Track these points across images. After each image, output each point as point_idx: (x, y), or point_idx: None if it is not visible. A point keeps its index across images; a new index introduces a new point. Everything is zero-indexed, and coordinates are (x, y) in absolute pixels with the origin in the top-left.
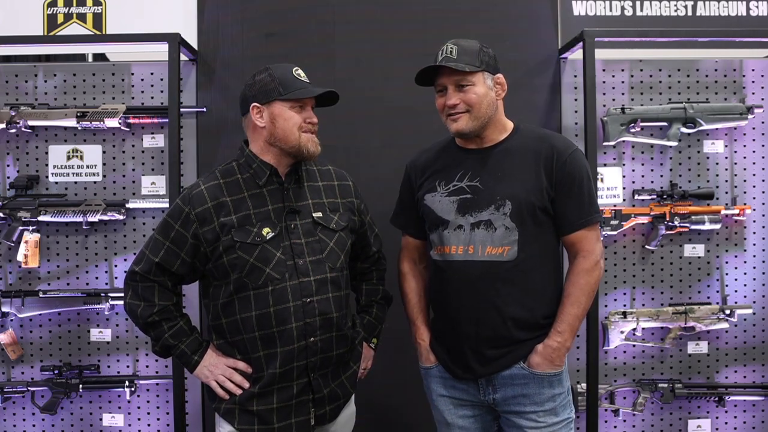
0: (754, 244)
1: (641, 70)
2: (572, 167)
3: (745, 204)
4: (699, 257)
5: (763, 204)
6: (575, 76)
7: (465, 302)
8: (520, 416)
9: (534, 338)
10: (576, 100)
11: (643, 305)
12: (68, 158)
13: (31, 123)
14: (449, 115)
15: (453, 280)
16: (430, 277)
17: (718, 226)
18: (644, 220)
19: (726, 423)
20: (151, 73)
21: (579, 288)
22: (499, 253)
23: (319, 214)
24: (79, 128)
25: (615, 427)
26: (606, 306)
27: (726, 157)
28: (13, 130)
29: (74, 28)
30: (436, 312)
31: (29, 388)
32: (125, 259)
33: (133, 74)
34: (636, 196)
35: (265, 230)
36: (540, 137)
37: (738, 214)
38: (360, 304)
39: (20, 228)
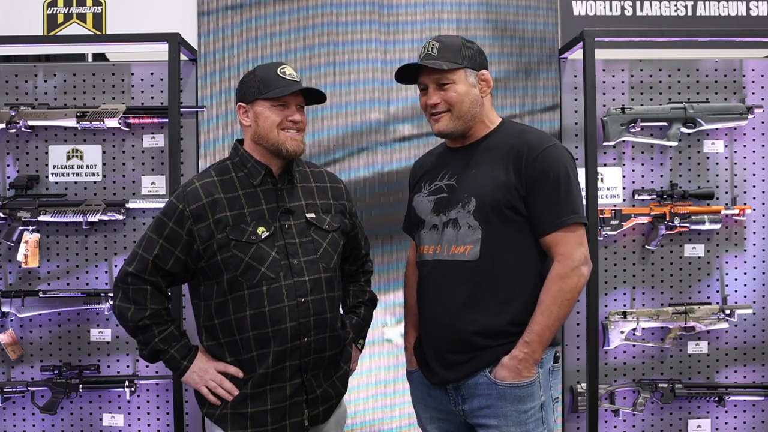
0: (754, 244)
1: (641, 70)
2: (545, 164)
3: (745, 204)
4: (699, 257)
5: (763, 204)
6: (575, 76)
7: (432, 303)
8: (489, 429)
9: (499, 345)
10: (576, 100)
11: (643, 305)
12: (68, 158)
13: (31, 123)
14: (432, 115)
15: (424, 281)
16: None
17: (718, 226)
18: (644, 220)
19: (726, 423)
20: (151, 73)
21: (551, 295)
22: (461, 252)
23: (312, 215)
24: (79, 128)
25: (615, 427)
26: (606, 306)
27: (726, 157)
28: (13, 130)
29: (74, 28)
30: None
31: (29, 388)
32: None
33: (133, 74)
34: (636, 196)
35: (260, 229)
36: (518, 133)
37: (738, 214)
38: (347, 305)
39: (20, 228)
